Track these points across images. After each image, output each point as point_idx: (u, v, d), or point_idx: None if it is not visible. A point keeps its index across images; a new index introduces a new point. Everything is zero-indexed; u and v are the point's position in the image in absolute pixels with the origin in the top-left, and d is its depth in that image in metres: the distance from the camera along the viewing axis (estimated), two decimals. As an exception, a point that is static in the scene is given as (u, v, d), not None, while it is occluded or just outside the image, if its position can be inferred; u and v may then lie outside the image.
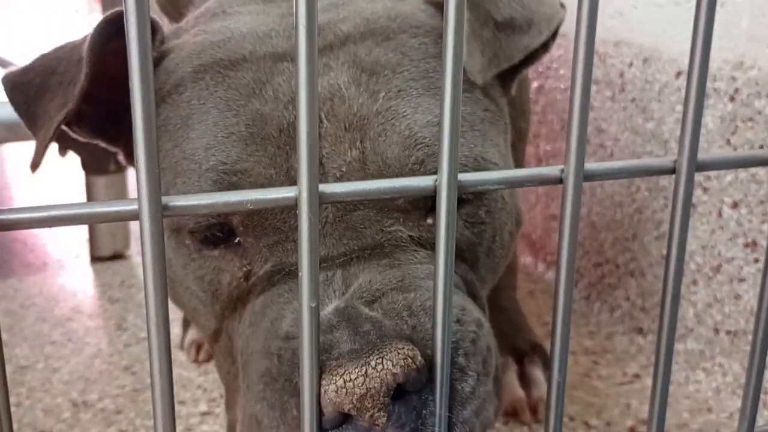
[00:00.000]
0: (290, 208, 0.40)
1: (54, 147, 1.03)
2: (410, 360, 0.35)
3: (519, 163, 0.79)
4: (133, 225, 1.08)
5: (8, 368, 0.78)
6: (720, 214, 0.71)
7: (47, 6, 2.69)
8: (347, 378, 0.34)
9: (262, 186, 0.41)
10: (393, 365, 0.34)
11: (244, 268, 0.44)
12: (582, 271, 0.91)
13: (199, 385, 0.74)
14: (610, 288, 0.86)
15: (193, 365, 0.78)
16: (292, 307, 0.40)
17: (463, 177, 0.32)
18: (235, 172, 0.42)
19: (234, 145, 0.42)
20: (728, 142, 0.69)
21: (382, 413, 0.34)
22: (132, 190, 1.07)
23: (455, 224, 0.32)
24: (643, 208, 0.80)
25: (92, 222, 0.28)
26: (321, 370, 0.34)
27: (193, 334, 0.80)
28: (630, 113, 0.81)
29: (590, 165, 0.34)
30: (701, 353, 0.73)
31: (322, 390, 0.34)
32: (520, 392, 0.69)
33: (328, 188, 0.30)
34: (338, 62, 0.44)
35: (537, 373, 0.70)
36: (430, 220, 0.44)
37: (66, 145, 1.02)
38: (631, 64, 0.80)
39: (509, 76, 0.51)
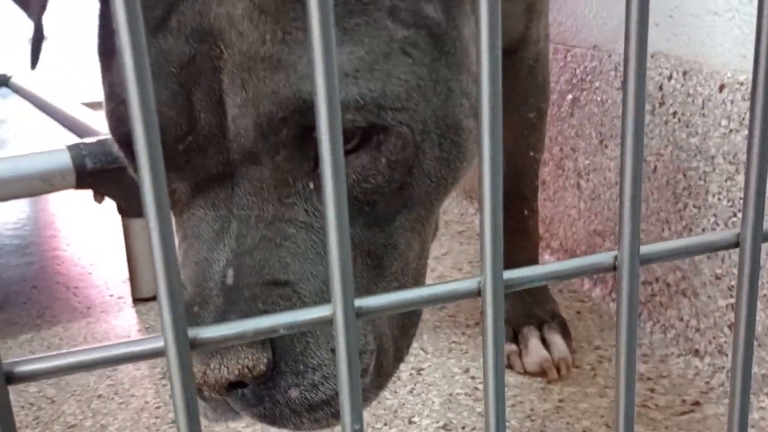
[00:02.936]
0: (188, 144, 0.42)
1: (90, 193, 1.04)
2: (248, 369, 0.40)
3: (539, 143, 0.82)
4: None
5: (57, 428, 0.78)
6: (777, 234, 0.67)
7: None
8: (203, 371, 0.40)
9: (161, 129, 0.41)
10: (228, 372, 0.40)
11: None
12: (631, 289, 0.87)
13: (247, 437, 0.73)
14: (662, 307, 0.83)
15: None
16: (188, 260, 0.44)
17: (509, 275, 0.30)
18: None
19: None
20: (781, 158, 0.65)
21: (218, 396, 0.41)
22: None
23: (503, 338, 0.29)
24: (692, 226, 0.77)
25: (119, 364, 0.27)
26: None
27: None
28: (672, 127, 0.78)
29: (646, 248, 0.31)
30: (764, 378, 0.70)
31: None
32: (545, 353, 0.79)
33: (365, 302, 0.28)
34: None
35: (556, 337, 0.81)
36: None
37: (102, 191, 1.02)
38: (670, 77, 0.77)
39: None
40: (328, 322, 0.28)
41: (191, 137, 0.42)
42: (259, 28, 0.41)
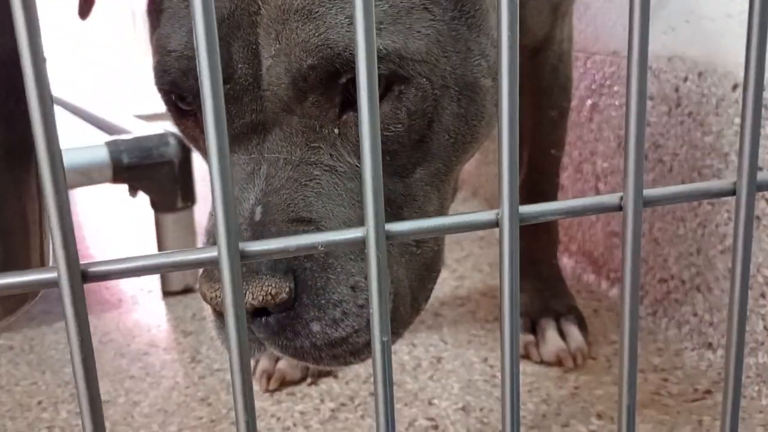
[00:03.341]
0: (226, 93, 0.45)
1: (125, 187, 1.08)
2: (271, 296, 0.42)
3: (560, 141, 0.86)
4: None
5: (91, 403, 0.81)
6: (786, 226, 0.70)
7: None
8: (216, 294, 0.43)
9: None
10: (253, 297, 0.42)
11: (203, 142, 0.50)
12: (647, 287, 0.90)
13: (273, 414, 0.76)
14: (677, 304, 0.85)
15: (266, 395, 0.80)
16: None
17: (524, 210, 0.33)
18: (183, 60, 0.47)
19: (184, 35, 0.47)
20: (791, 152, 0.68)
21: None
22: (198, 224, 1.11)
23: (518, 268, 0.33)
24: (707, 222, 0.80)
25: (175, 270, 0.30)
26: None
27: (263, 363, 0.82)
28: (687, 127, 0.81)
29: (649, 191, 0.34)
30: (775, 367, 0.72)
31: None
32: (561, 343, 0.83)
33: (394, 227, 0.32)
34: None
35: (572, 329, 0.84)
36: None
37: (137, 185, 1.07)
38: (686, 79, 0.80)
39: None
40: (361, 242, 0.32)
41: (229, 87, 0.45)
42: None
